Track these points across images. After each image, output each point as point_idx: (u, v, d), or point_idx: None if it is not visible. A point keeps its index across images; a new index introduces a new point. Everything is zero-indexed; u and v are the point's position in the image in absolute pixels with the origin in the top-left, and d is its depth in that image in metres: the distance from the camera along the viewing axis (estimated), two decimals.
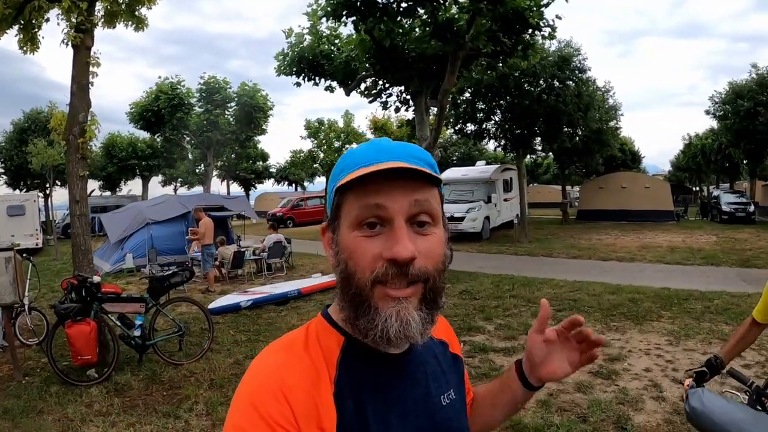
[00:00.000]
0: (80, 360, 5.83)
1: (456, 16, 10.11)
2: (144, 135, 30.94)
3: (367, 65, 12.89)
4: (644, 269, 12.71)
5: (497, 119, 20.86)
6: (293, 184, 47.49)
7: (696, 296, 9.17)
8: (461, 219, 19.71)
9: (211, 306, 8.76)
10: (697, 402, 2.11)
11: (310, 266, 14.35)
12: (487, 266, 13.60)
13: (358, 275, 0.81)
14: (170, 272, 7.01)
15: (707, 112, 28.01)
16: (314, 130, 34.95)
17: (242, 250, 13.14)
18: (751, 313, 2.45)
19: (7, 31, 6.69)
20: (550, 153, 28.53)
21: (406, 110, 14.76)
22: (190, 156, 28.74)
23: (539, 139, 21.93)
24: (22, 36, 6.77)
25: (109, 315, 6.28)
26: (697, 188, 54.52)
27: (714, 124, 30.00)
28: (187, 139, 25.95)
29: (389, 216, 0.80)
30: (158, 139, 30.15)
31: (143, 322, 6.48)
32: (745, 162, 32.14)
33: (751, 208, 26.07)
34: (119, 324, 6.38)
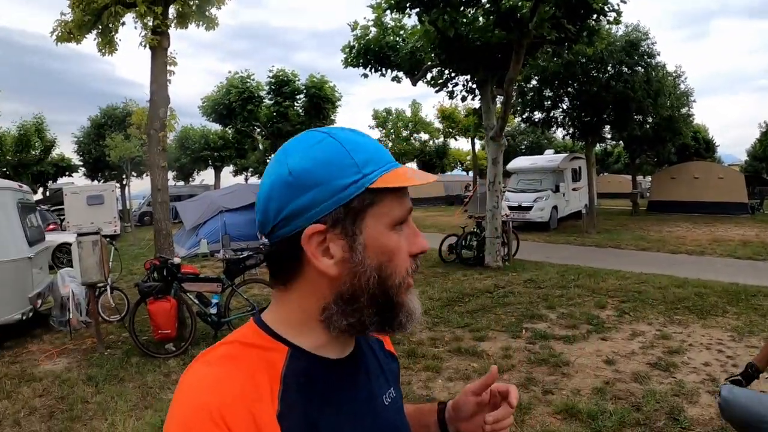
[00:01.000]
0: (160, 334, 6.32)
1: (519, 4, 10.05)
2: (216, 127, 31.98)
3: (432, 55, 12.96)
4: (714, 263, 12.35)
5: (565, 107, 20.52)
6: None
7: (765, 293, 8.89)
8: (529, 208, 19.62)
9: None
10: (727, 393, 2.26)
11: None
12: (553, 256, 13.56)
13: (396, 276, 0.80)
14: (245, 255, 7.44)
15: None
16: (382, 119, 35.27)
17: None
18: None
19: (87, 35, 7.19)
20: (620, 141, 27.75)
21: (473, 99, 14.77)
22: (260, 146, 29.60)
23: (608, 127, 21.40)
24: (100, 40, 7.21)
25: (188, 294, 6.79)
26: None
27: None
28: (258, 130, 26.65)
29: (409, 215, 0.83)
30: (229, 131, 31.16)
31: (219, 301, 7.03)
32: None
33: None
34: (197, 302, 6.89)
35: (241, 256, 7.42)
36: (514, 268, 11.72)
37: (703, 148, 39.68)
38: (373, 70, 14.89)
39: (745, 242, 15.77)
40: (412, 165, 43.71)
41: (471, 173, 42.46)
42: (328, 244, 0.78)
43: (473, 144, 35.80)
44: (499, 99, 12.93)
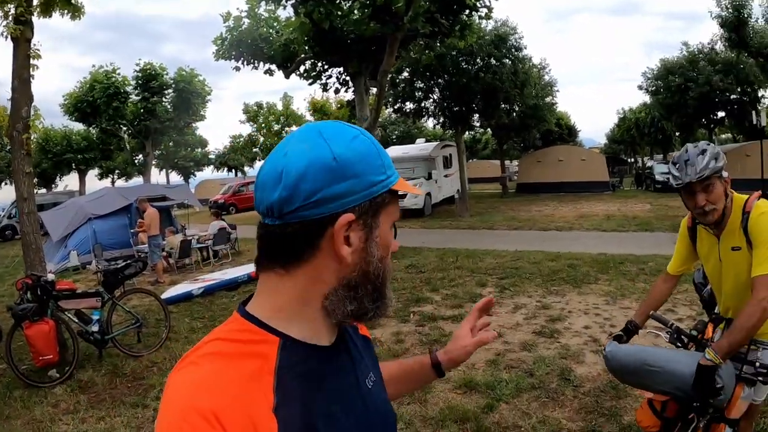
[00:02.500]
0: (41, 360, 5.72)
1: None
2: (79, 127, 29.92)
3: (306, 47, 12.89)
4: (582, 237, 13.31)
5: (435, 98, 21.21)
6: (233, 170, 46.84)
7: (631, 260, 9.73)
8: (403, 196, 19.88)
9: (163, 296, 8.70)
10: (612, 347, 2.54)
11: (256, 252, 14.12)
12: (430, 241, 13.98)
13: (389, 269, 0.89)
14: (123, 264, 7.00)
15: (640, 88, 29.19)
16: (253, 113, 34.59)
17: (188, 239, 13.02)
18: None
19: None
20: (488, 129, 29.17)
21: (346, 91, 14.86)
22: (127, 146, 28.03)
23: (477, 116, 22.41)
24: None
25: (66, 312, 6.22)
26: (632, 160, 56.66)
27: (647, 99, 31.35)
28: (124, 129, 25.21)
29: None
30: (93, 131, 29.20)
31: (100, 317, 6.45)
32: (677, 134, 33.60)
33: None
34: (77, 321, 6.33)
35: (118, 266, 6.99)
36: (394, 256, 11.88)
37: (566, 133, 42.66)
38: (245, 63, 14.53)
39: (609, 216, 17.12)
40: None
41: None
42: (350, 233, 0.81)
43: None
44: (373, 91, 13.10)
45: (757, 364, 2.35)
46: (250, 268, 10.43)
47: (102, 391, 5.47)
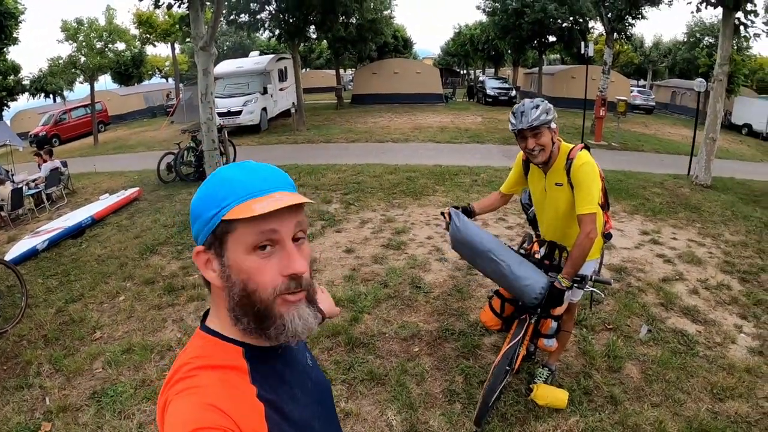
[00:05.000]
0: None
1: None
2: None
3: None
4: (418, 149, 13.87)
5: (272, 9, 20.36)
6: (51, 96, 41.71)
7: (465, 171, 10.41)
8: (238, 113, 19.38)
9: (7, 257, 7.46)
10: (461, 218, 3.12)
11: (92, 187, 12.64)
12: (269, 158, 13.64)
13: (260, 293, 0.91)
14: None
15: (478, 8, 30.10)
16: (73, 32, 30.71)
17: (19, 186, 11.29)
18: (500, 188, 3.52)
19: None
20: (324, 41, 28.72)
21: (179, 7, 13.75)
22: None
23: (313, 27, 21.92)
24: None
25: None
26: (465, 72, 59.07)
27: (484, 18, 32.43)
28: None
29: (281, 238, 0.92)
30: None
31: None
32: (509, 52, 35.45)
33: (513, 92, 29.32)
34: None
35: None
36: None
37: (402, 45, 43.14)
38: None
39: (443, 128, 17.93)
40: (107, 78, 38.97)
41: (172, 80, 39.94)
42: (210, 260, 0.95)
43: (173, 49, 33.59)
44: (209, 5, 12.25)
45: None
46: (92, 210, 9.48)
47: None
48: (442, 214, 3.23)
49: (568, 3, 24.84)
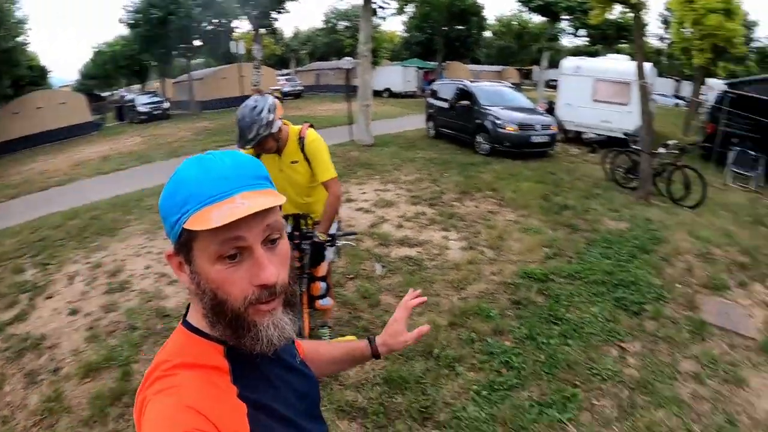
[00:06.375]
0: None
1: None
2: None
3: None
4: (88, 185, 12.87)
5: None
6: None
7: (147, 194, 10.14)
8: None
9: None
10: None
11: None
12: None
13: (231, 302, 0.87)
14: None
15: (121, 21, 29.13)
16: None
17: None
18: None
19: None
20: None
21: None
22: None
23: None
24: None
25: None
26: (109, 94, 54.88)
27: (126, 31, 31.27)
28: None
29: (249, 245, 0.86)
30: None
31: None
32: (155, 64, 34.14)
33: (166, 105, 28.98)
34: None
35: None
36: None
37: (38, 75, 37.71)
38: None
39: (105, 157, 16.92)
40: None
41: None
42: (183, 264, 0.92)
43: None
44: None
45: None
46: None
47: None
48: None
49: (213, 5, 25.20)
